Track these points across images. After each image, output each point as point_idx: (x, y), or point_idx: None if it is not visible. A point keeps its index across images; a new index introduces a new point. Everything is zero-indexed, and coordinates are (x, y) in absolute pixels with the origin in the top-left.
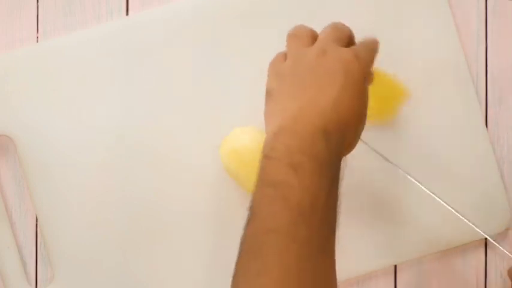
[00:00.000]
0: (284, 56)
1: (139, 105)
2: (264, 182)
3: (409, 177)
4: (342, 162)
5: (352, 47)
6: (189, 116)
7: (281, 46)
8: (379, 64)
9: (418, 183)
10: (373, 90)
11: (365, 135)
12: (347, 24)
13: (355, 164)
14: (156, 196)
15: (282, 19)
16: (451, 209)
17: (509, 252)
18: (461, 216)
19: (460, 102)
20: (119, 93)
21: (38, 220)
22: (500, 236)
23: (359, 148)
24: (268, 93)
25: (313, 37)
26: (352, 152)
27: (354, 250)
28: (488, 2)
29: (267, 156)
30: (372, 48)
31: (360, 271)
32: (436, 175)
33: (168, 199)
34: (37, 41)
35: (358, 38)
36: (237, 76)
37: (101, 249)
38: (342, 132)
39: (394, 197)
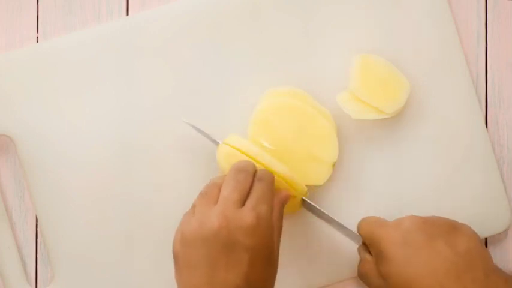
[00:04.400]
0: (192, 213)
1: (139, 105)
2: None
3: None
4: None
5: (251, 205)
6: (189, 116)
7: (281, 46)
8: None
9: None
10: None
11: (365, 134)
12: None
13: (355, 165)
14: (156, 196)
15: (282, 19)
16: None
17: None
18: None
19: (460, 102)
20: (118, 93)
21: (38, 220)
22: (500, 236)
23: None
24: (175, 257)
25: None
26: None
27: (354, 250)
28: (488, 2)
29: None
30: (267, 192)
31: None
32: (436, 175)
33: (168, 199)
34: (37, 41)
35: (358, 38)
36: (237, 76)
37: (101, 249)
38: None
39: (394, 197)
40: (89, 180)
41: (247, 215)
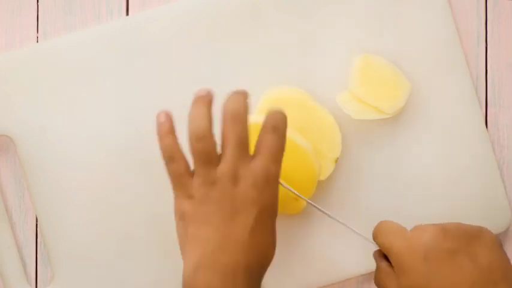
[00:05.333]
0: (190, 173)
1: (139, 104)
2: None
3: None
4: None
5: (261, 162)
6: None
7: (281, 46)
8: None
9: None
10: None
11: (365, 134)
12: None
13: (354, 167)
14: (156, 196)
15: (282, 19)
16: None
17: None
18: (369, 241)
19: (460, 102)
20: (118, 93)
21: (38, 220)
22: (500, 236)
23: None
24: (180, 216)
25: (216, 150)
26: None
27: (354, 250)
28: (488, 2)
29: None
30: (277, 154)
31: (360, 271)
32: (435, 175)
33: (168, 199)
34: (37, 41)
35: (358, 38)
36: (237, 76)
37: (101, 249)
38: (262, 260)
39: (394, 197)
40: (89, 180)
41: (258, 171)
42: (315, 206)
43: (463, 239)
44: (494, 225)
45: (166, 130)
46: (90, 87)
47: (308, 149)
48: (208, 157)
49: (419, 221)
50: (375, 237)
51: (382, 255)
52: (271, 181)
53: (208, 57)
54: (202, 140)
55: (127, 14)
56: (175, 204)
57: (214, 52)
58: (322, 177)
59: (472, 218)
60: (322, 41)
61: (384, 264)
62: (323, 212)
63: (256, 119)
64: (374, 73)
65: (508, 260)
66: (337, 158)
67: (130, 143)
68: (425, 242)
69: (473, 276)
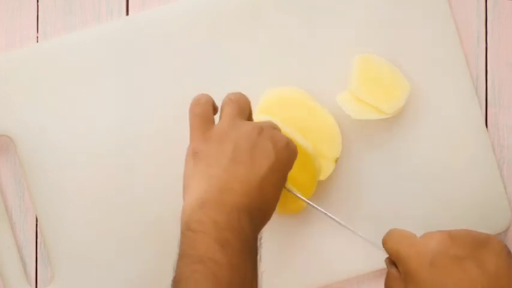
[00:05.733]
0: (213, 119)
1: (139, 105)
2: (192, 257)
3: (336, 219)
4: (259, 236)
5: (286, 137)
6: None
7: (281, 46)
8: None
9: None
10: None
11: (365, 134)
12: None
13: (353, 167)
14: (156, 196)
15: (282, 19)
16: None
17: None
18: (372, 244)
19: (460, 102)
20: (118, 93)
21: (38, 220)
22: (500, 236)
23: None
24: (193, 154)
25: (250, 111)
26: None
27: (354, 250)
28: (488, 2)
29: (192, 229)
30: (295, 150)
31: (360, 271)
32: (436, 175)
33: (168, 199)
34: (37, 41)
35: (358, 38)
36: (237, 76)
37: (101, 249)
38: (264, 211)
39: (394, 197)
40: (89, 180)
41: (280, 137)
42: (318, 209)
43: (471, 246)
44: (494, 225)
45: (202, 93)
46: (90, 87)
47: (308, 149)
48: (240, 108)
49: (419, 221)
50: (384, 244)
51: (392, 262)
52: (290, 143)
53: (208, 57)
54: (239, 95)
55: (127, 14)
56: (190, 145)
57: (214, 52)
58: (322, 177)
59: (472, 218)
60: (322, 41)
61: (393, 270)
62: (329, 216)
63: (256, 119)
64: (374, 73)
65: None
66: (337, 158)
67: (130, 143)
68: (432, 248)
69: (480, 283)
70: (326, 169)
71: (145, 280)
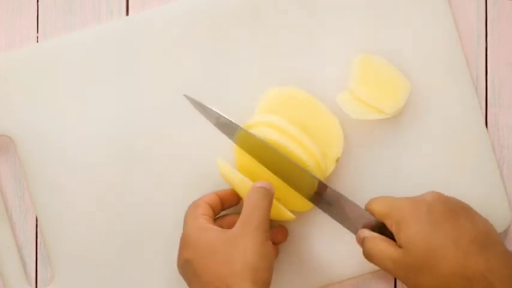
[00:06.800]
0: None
1: (139, 104)
2: None
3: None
4: None
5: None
6: (190, 116)
7: (281, 46)
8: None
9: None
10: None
11: (365, 134)
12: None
13: (354, 166)
14: (156, 196)
15: (282, 19)
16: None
17: None
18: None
19: (460, 102)
20: (118, 93)
21: (38, 220)
22: (500, 236)
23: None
24: (186, 265)
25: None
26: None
27: (354, 250)
28: (488, 2)
29: None
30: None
31: (360, 271)
32: (436, 175)
33: (168, 199)
34: (37, 41)
35: (358, 38)
36: (237, 76)
37: (101, 250)
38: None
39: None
40: (89, 181)
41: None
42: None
43: (464, 207)
44: (494, 225)
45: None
46: (90, 87)
47: (309, 162)
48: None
49: None
50: (371, 204)
51: (369, 230)
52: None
53: (208, 57)
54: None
55: (127, 14)
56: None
57: (214, 52)
58: (323, 177)
59: None
60: (322, 41)
61: (375, 234)
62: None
63: (256, 119)
64: (374, 73)
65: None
66: (338, 158)
67: (130, 143)
68: (428, 200)
69: (472, 234)
70: (326, 169)
71: (145, 280)
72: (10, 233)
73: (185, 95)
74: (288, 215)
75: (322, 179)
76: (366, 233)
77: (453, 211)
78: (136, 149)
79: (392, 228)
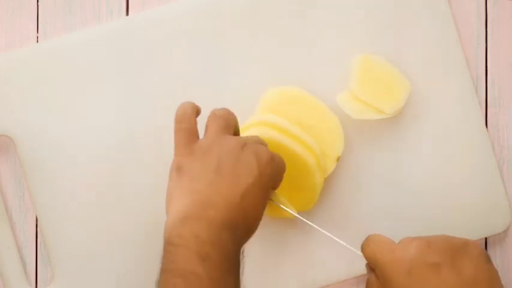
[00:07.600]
0: (197, 135)
1: (139, 105)
2: (173, 271)
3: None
4: (241, 250)
5: (271, 152)
6: None
7: (281, 46)
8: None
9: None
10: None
11: (365, 134)
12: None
13: (354, 167)
14: (157, 196)
15: (282, 19)
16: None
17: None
18: (356, 251)
19: (460, 102)
20: (119, 93)
21: (38, 220)
22: (500, 236)
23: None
24: (177, 169)
25: (236, 127)
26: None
27: (354, 251)
28: (488, 2)
29: (172, 243)
30: (282, 164)
31: (360, 271)
32: (436, 175)
33: None
34: (37, 41)
35: (358, 38)
36: (237, 76)
37: (101, 250)
38: (246, 225)
39: (394, 197)
40: (89, 181)
41: (264, 150)
42: (305, 221)
43: (448, 252)
44: (494, 225)
45: (186, 103)
46: (90, 87)
47: (309, 160)
48: (225, 123)
49: (419, 220)
50: (363, 249)
51: (371, 269)
52: (275, 158)
53: (208, 57)
54: (224, 111)
55: (127, 14)
56: (174, 160)
57: (214, 52)
58: (323, 176)
59: (472, 218)
60: (322, 41)
61: (372, 276)
62: (315, 227)
63: (256, 119)
64: (374, 73)
65: (495, 272)
66: (339, 157)
67: (131, 142)
68: (410, 256)
69: (456, 287)
70: (327, 168)
71: (145, 280)
72: (10, 233)
73: None
74: (288, 212)
75: (322, 179)
76: (368, 271)
77: (436, 266)
78: (137, 149)
79: (381, 282)
